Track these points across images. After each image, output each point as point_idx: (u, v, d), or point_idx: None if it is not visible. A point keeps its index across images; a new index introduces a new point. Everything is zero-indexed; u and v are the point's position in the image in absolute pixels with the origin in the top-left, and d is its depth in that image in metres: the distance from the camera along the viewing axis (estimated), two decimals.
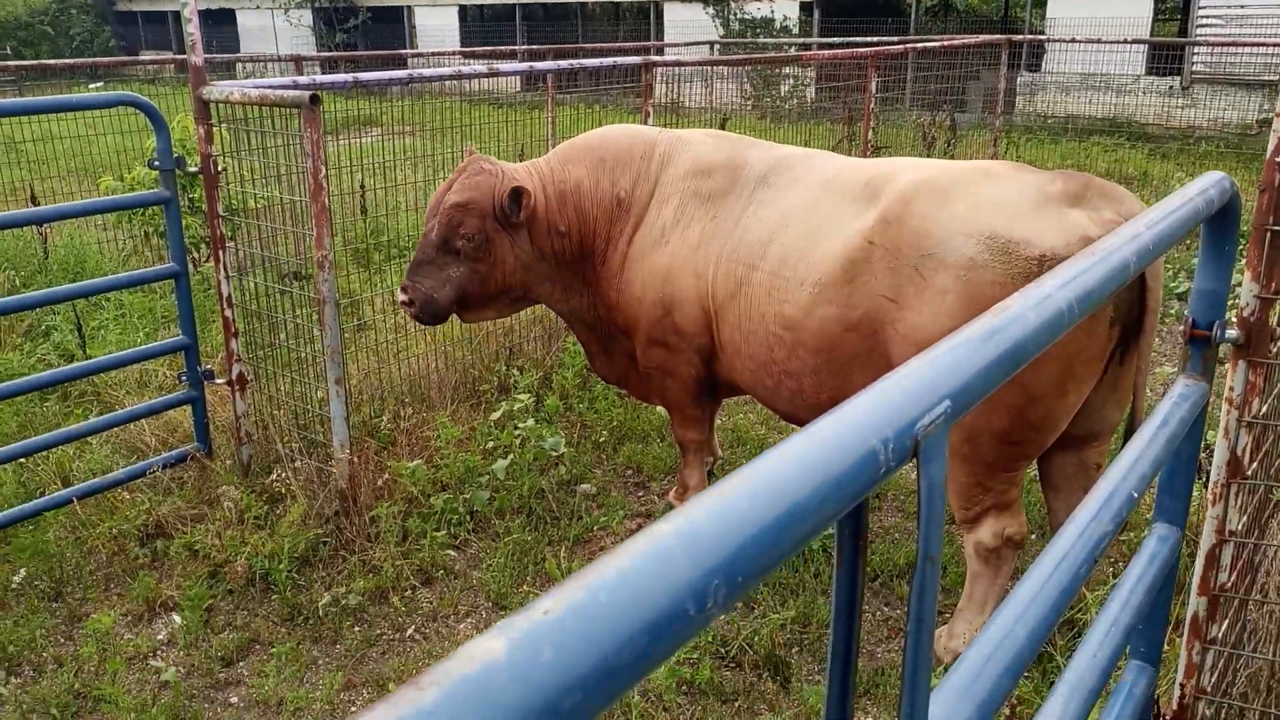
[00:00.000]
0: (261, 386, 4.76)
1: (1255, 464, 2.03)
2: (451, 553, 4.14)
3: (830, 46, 15.04)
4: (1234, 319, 1.93)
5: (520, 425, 4.72)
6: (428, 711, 0.53)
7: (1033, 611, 1.39)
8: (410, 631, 3.70)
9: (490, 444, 4.70)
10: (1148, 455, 1.79)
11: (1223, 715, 2.30)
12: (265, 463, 4.60)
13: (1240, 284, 1.96)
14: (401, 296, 3.97)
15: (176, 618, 3.75)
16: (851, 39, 14.57)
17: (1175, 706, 2.10)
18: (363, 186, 7.80)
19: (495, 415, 4.85)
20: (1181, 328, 1.90)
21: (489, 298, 4.06)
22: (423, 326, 5.63)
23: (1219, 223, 1.82)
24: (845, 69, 12.12)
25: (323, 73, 16.61)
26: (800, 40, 17.40)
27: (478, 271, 3.93)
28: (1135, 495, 1.72)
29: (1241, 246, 2.98)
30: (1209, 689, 2.13)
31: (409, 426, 4.85)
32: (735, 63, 13.87)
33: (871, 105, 8.63)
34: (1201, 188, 1.74)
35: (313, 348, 4.67)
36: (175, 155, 4.45)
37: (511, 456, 4.53)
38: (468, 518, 4.31)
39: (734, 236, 3.66)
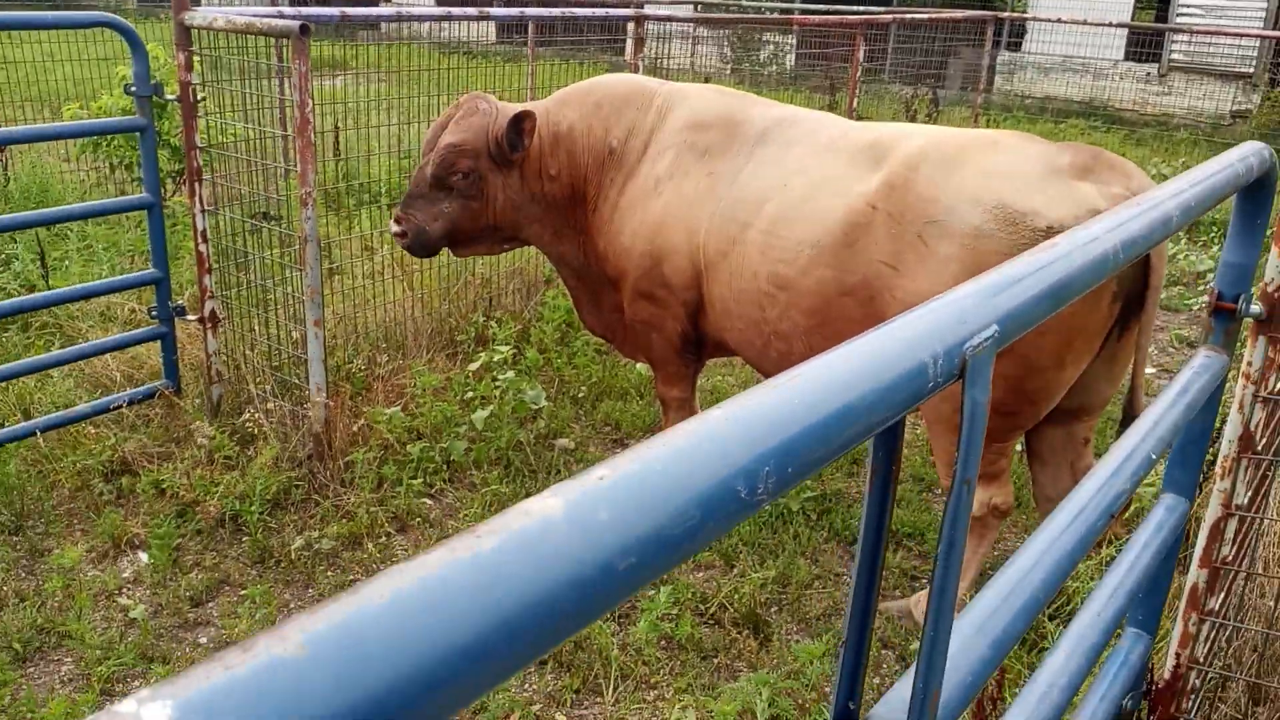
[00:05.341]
0: (234, 325, 4.64)
1: (1264, 439, 2.03)
2: (427, 501, 4.08)
3: (815, 14, 14.92)
4: (1258, 293, 1.92)
5: (500, 377, 4.65)
6: (485, 556, 0.52)
7: (1049, 557, 1.40)
8: None
9: (468, 394, 4.63)
10: (1166, 420, 1.79)
11: (1207, 684, 2.33)
12: (236, 403, 4.50)
13: (1266, 260, 1.95)
14: (395, 227, 3.96)
15: (144, 556, 3.67)
16: (836, 7, 14.46)
17: (1168, 675, 2.12)
18: (336, 128, 7.61)
19: (474, 366, 4.77)
20: (1206, 299, 1.89)
21: (480, 233, 4.05)
22: (403, 270, 5.53)
23: (1254, 194, 1.81)
24: (829, 38, 12.06)
25: (292, 9, 16.15)
26: (783, 6, 17.24)
27: (470, 208, 3.92)
28: (1154, 457, 1.72)
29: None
30: (1201, 659, 2.15)
31: (384, 374, 4.77)
32: (729, 22, 13.73)
33: (857, 74, 8.58)
34: (1241, 155, 1.72)
35: (286, 288, 4.56)
36: (152, 82, 4.29)
37: (491, 408, 4.46)
38: (444, 467, 4.24)
39: (730, 193, 3.60)
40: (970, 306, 0.98)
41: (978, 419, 0.98)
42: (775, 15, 14.91)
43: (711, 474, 0.65)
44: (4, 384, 4.44)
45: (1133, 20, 15.26)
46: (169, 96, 4.37)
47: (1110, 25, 12.98)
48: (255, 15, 3.98)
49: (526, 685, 3.14)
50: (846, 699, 1.08)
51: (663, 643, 3.32)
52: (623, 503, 0.60)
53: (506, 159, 3.84)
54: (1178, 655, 2.14)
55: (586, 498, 0.58)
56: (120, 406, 4.36)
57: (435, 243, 3.99)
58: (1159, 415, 1.78)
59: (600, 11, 5.98)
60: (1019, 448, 3.82)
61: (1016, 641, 1.28)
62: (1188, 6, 14.83)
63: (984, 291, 1.03)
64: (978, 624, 1.24)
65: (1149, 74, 15.09)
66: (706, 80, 10.57)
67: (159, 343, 4.56)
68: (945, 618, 1.05)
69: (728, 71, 15.27)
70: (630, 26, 6.20)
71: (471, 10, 5.09)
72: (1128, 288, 2.89)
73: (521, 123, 3.78)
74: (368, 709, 0.44)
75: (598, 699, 3.10)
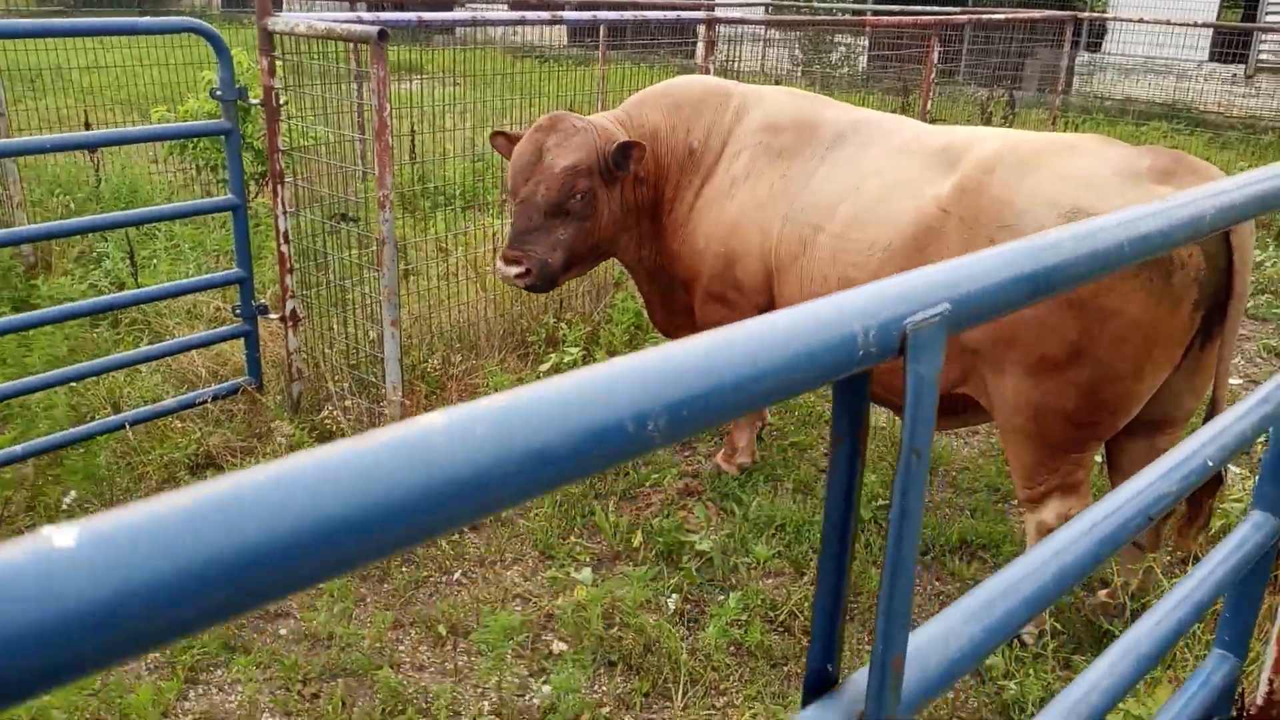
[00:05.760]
0: (313, 324, 4.76)
1: None
2: None
3: (888, 15, 14.75)
4: None
5: None
6: (368, 453, 0.62)
7: (1075, 548, 1.42)
8: (458, 575, 3.71)
9: None
10: (1235, 429, 1.75)
11: None
12: (315, 400, 4.61)
13: None
14: (511, 270, 3.76)
15: None
16: (910, 8, 14.28)
17: (1261, 700, 2.06)
18: (412, 132, 7.75)
19: (544, 367, 4.83)
20: None
21: (587, 254, 3.95)
22: (476, 271, 5.60)
23: None
24: (902, 39, 11.91)
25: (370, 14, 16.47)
26: (855, 7, 17.08)
27: (584, 229, 3.81)
28: (1211, 464, 1.68)
29: None
30: None
31: (458, 373, 4.85)
32: (800, 24, 13.64)
33: (931, 76, 8.46)
34: None
35: (364, 289, 4.66)
36: (237, 86, 4.42)
37: None
38: None
39: (803, 196, 3.60)
40: (917, 284, 1.02)
41: (923, 393, 1.02)
42: (847, 17, 14.78)
43: (599, 407, 0.72)
44: (95, 378, 4.61)
45: (1219, 20, 14.81)
46: (253, 101, 4.49)
47: (1195, 25, 12.61)
48: (335, 21, 4.08)
49: (596, 687, 3.16)
50: (824, 661, 1.11)
51: (732, 649, 3.32)
52: (503, 424, 0.67)
53: (612, 174, 3.80)
54: (1270, 681, 2.08)
55: (468, 416, 0.66)
56: (205, 402, 4.50)
57: (558, 274, 3.83)
58: (1228, 423, 1.74)
59: (671, 15, 5.99)
60: (1098, 459, 3.74)
61: (1019, 627, 1.31)
62: (1277, 6, 14.33)
63: (939, 271, 1.06)
64: (985, 600, 1.27)
65: (1235, 75, 14.62)
66: (777, 83, 10.51)
67: (242, 340, 4.69)
68: (902, 586, 1.07)
69: (798, 74, 15.17)
70: (701, 29, 6.21)
71: (544, 14, 5.15)
72: (1210, 295, 2.81)
73: (629, 150, 3.74)
74: (253, 557, 0.56)
75: (667, 703, 3.12)
